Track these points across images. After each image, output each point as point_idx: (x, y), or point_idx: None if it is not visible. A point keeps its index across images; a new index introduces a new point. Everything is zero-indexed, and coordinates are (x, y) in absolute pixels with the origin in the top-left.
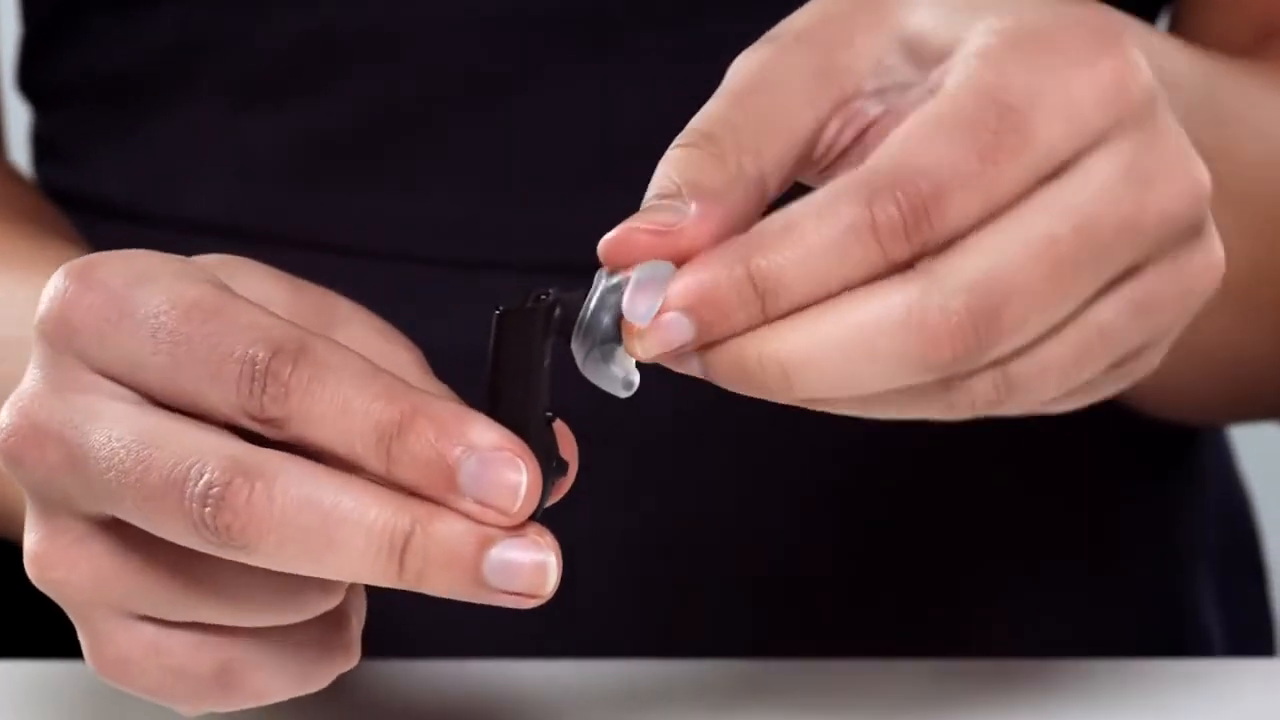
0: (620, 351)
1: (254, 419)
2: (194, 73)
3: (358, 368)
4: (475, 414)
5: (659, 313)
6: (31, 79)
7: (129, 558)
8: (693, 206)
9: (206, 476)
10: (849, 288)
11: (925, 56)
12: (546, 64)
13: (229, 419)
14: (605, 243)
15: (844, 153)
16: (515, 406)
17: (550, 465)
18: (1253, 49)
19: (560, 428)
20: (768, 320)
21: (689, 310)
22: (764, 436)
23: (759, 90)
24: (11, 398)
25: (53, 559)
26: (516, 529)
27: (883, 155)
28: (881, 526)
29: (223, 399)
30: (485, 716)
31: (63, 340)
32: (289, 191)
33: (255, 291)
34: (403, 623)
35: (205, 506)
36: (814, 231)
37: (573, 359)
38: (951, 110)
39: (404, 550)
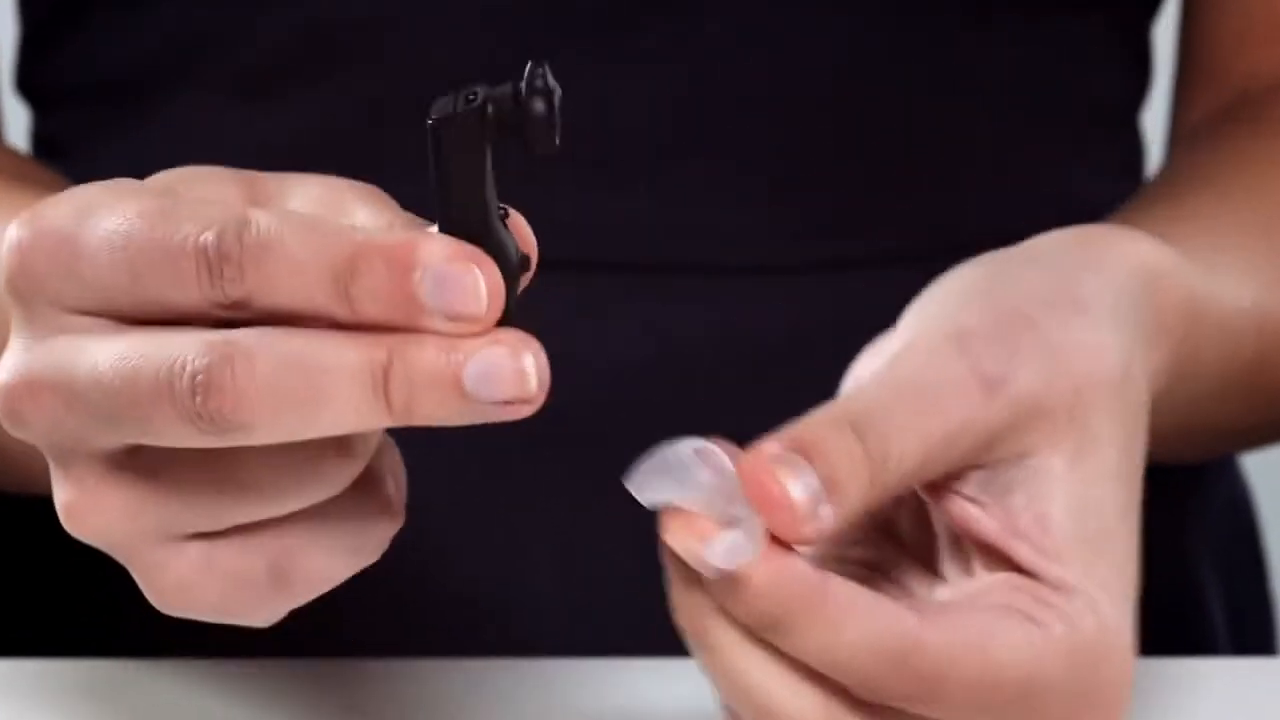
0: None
1: (221, 306)
2: (195, 68)
3: (296, 224)
4: (421, 234)
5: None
6: (30, 79)
7: (154, 483)
8: (826, 511)
9: (189, 369)
10: None
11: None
12: (547, 56)
13: (202, 315)
14: (742, 469)
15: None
16: (465, 214)
17: (511, 263)
18: (1268, 42)
19: (515, 222)
20: None
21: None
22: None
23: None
24: (1, 361)
25: (82, 507)
26: (493, 337)
27: None
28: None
29: (189, 297)
30: (503, 716)
31: (30, 290)
32: None
33: (211, 193)
34: (421, 622)
35: (195, 396)
36: None
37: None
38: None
39: (387, 384)
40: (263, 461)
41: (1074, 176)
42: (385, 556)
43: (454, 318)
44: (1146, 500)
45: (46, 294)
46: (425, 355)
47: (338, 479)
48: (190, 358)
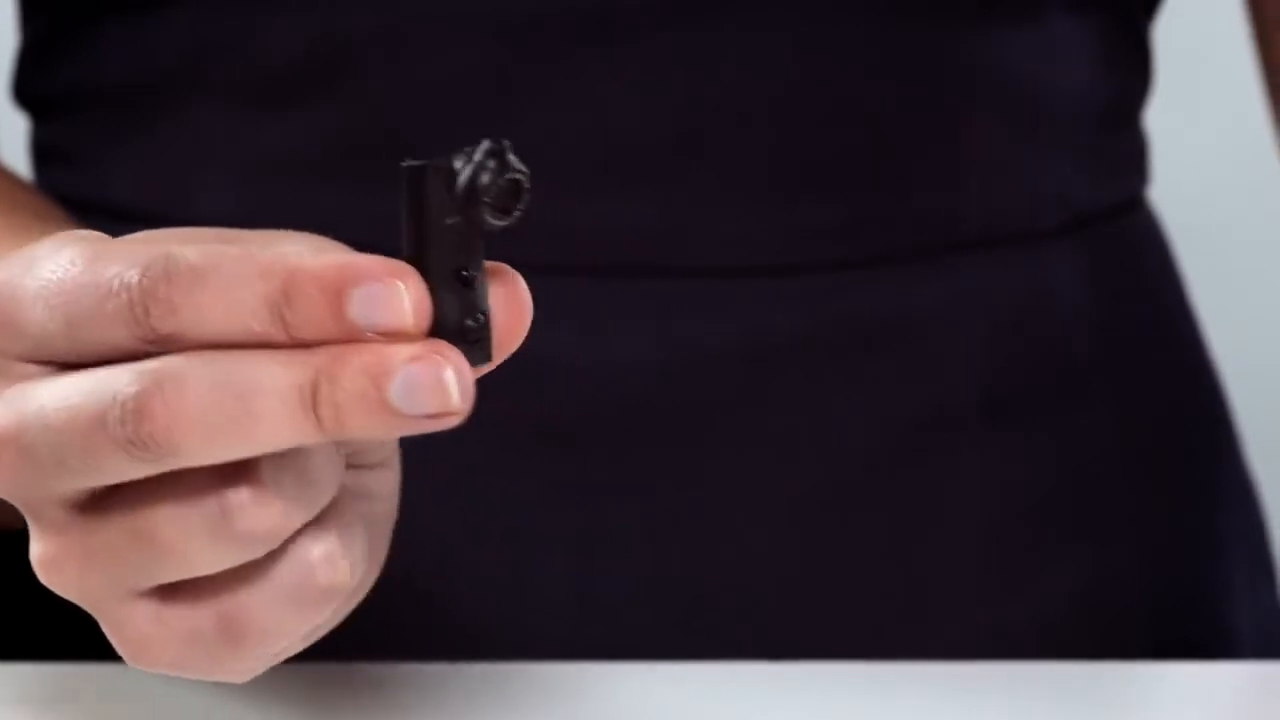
0: None
1: (151, 343)
2: (203, 76)
3: (229, 255)
4: (354, 256)
5: None
6: (30, 89)
7: (110, 533)
8: None
9: (119, 397)
10: None
11: None
12: (550, 65)
13: (138, 354)
14: None
15: None
16: (421, 261)
17: (449, 322)
18: None
19: (506, 284)
20: None
21: None
22: (778, 439)
23: None
24: None
25: (48, 557)
26: (413, 354)
27: None
28: (892, 529)
29: (118, 337)
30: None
31: None
32: (299, 193)
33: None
34: (426, 626)
35: (126, 424)
36: None
37: None
38: None
39: (315, 402)
40: (173, 517)
41: (1074, 177)
42: (390, 561)
43: (382, 332)
44: (1154, 505)
45: None
46: (350, 374)
47: (244, 521)
48: (121, 387)
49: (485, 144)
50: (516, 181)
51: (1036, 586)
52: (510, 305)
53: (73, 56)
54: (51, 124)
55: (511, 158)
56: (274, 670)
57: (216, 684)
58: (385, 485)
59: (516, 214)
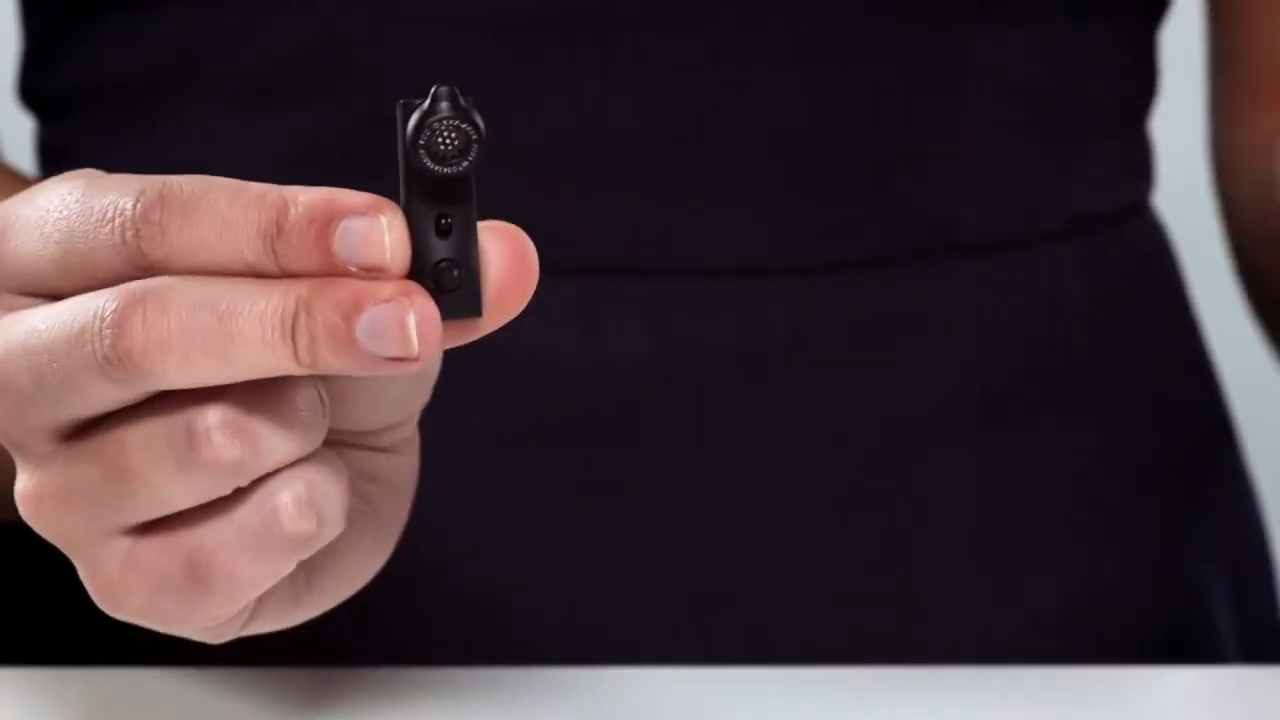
0: None
1: (139, 268)
2: (199, 77)
3: (224, 186)
4: (342, 191)
5: None
6: (34, 89)
7: (87, 465)
8: None
9: (99, 313)
10: None
11: None
12: (548, 65)
13: (121, 280)
14: None
15: None
16: (404, 203)
17: (441, 268)
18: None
19: (498, 240)
20: None
21: None
22: (775, 440)
23: None
24: None
25: (30, 492)
26: (383, 292)
27: None
28: (889, 530)
29: (108, 263)
30: None
31: None
32: None
33: None
34: (421, 629)
35: (103, 340)
36: None
37: None
38: None
39: (294, 331)
40: (142, 441)
41: (1077, 182)
42: (386, 561)
43: (362, 267)
44: (1151, 510)
45: None
46: (326, 306)
47: (215, 449)
48: (103, 303)
49: (436, 89)
50: (463, 132)
51: (1031, 589)
52: (505, 260)
53: (72, 56)
54: (54, 124)
55: (466, 107)
56: (269, 672)
57: (208, 688)
58: (397, 473)
59: (462, 165)
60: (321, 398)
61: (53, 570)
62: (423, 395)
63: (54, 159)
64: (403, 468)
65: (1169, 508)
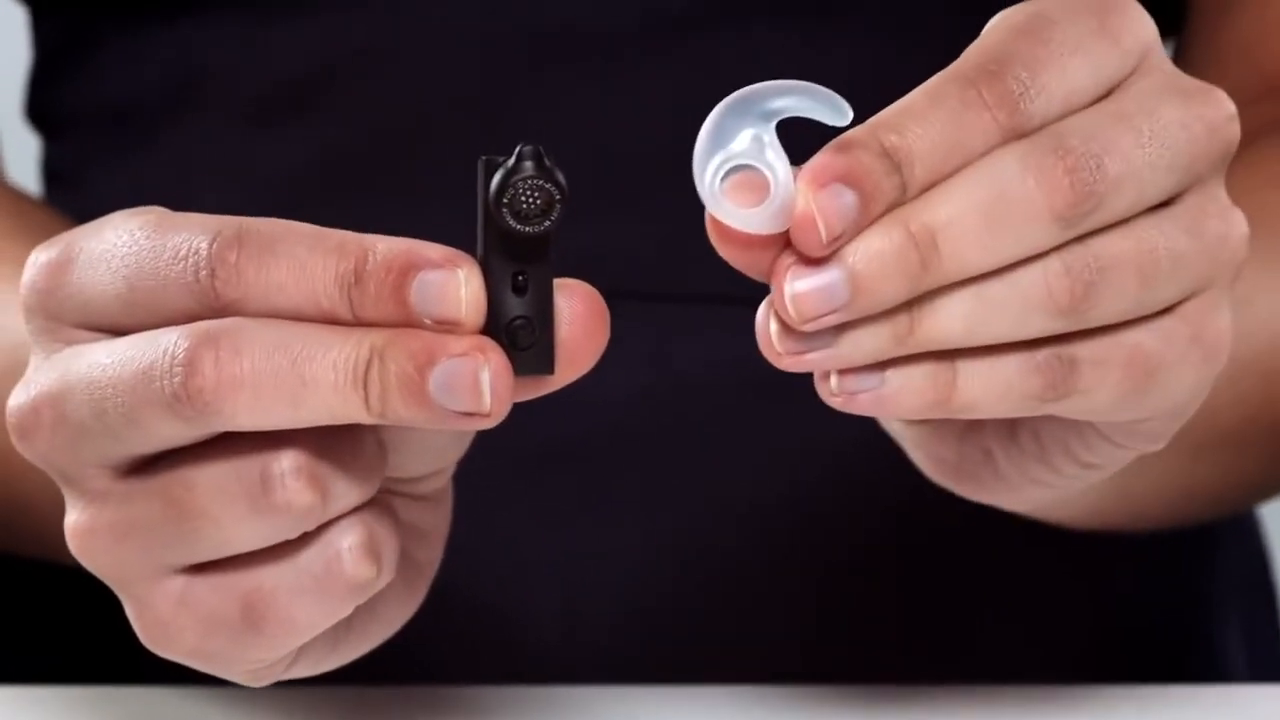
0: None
1: (211, 308)
2: (200, 95)
3: (302, 231)
4: (422, 243)
5: (820, 183)
6: (40, 108)
7: (148, 502)
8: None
9: (170, 351)
10: (969, 161)
11: None
12: (547, 82)
13: (189, 319)
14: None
15: None
16: (482, 258)
17: (516, 326)
18: (1261, 99)
19: (569, 298)
20: (907, 196)
21: (847, 179)
22: (770, 463)
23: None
24: (19, 383)
25: (83, 527)
26: (459, 347)
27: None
28: (891, 552)
29: (178, 302)
30: None
31: (37, 306)
32: (297, 210)
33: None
34: (421, 648)
35: (174, 377)
36: (932, 110)
37: None
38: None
39: (365, 380)
40: (213, 483)
41: None
42: None
43: (437, 320)
44: (1156, 534)
45: (50, 309)
46: (400, 357)
47: (287, 498)
48: (174, 341)
49: (521, 147)
50: (546, 191)
51: (1038, 606)
52: (579, 319)
53: (77, 73)
54: (58, 143)
55: (550, 167)
56: (270, 692)
57: (211, 708)
58: (432, 521)
59: (544, 225)
60: (381, 445)
61: (66, 590)
62: (462, 445)
63: (57, 179)
64: (438, 515)
65: (1170, 532)
